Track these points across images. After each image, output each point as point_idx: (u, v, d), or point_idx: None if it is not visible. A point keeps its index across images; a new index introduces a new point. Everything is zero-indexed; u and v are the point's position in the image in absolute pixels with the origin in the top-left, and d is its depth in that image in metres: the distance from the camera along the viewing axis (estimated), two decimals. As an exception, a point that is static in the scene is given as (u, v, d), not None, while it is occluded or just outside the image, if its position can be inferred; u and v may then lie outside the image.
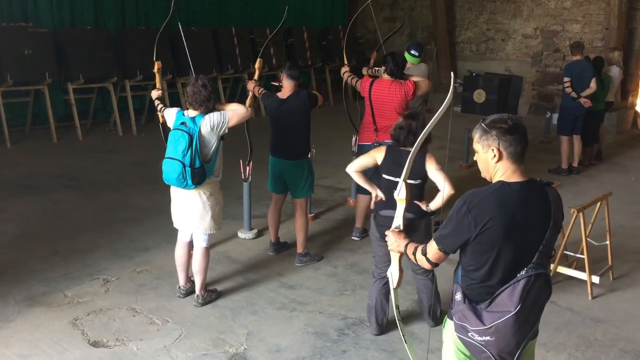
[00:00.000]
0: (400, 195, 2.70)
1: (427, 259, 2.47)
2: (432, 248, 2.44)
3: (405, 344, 2.79)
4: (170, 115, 4.29)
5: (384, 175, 3.97)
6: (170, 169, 4.08)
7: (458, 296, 2.42)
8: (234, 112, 4.23)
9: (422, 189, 3.96)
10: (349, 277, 4.99)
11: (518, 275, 2.29)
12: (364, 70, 6.14)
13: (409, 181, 3.70)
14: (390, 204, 3.70)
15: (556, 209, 2.36)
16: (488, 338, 2.31)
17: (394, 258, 2.70)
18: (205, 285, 4.45)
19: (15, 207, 6.26)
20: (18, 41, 8.44)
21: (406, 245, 2.60)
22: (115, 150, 8.78)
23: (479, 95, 12.18)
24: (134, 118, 9.76)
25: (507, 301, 2.27)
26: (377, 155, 4.01)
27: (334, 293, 4.70)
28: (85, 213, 6.19)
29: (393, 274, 2.73)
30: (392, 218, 2.77)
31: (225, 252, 5.36)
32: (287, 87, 5.00)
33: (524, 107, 12.39)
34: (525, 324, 2.30)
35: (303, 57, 12.21)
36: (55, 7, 9.39)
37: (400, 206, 2.72)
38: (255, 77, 5.53)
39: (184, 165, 4.02)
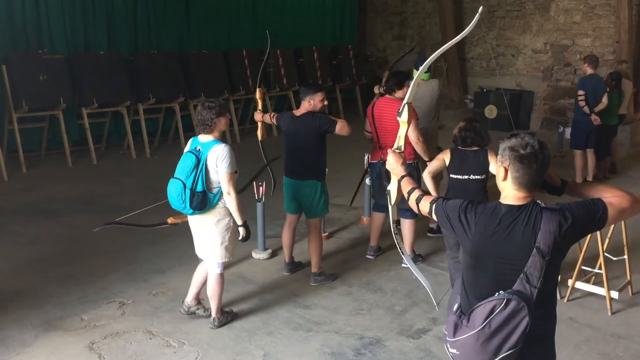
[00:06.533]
0: (403, 117, 2.85)
1: (417, 205, 2.62)
2: (426, 206, 2.57)
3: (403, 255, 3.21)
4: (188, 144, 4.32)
5: (451, 175, 4.51)
6: (172, 188, 4.08)
7: (455, 306, 2.47)
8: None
9: (485, 184, 4.45)
10: (364, 296, 4.97)
11: (494, 295, 2.27)
12: (376, 89, 6.15)
13: (475, 177, 4.40)
14: (458, 196, 4.13)
15: (546, 236, 2.25)
16: (455, 351, 2.34)
17: (394, 177, 2.86)
18: (221, 308, 4.44)
19: (31, 231, 6.32)
20: (33, 68, 8.58)
21: (403, 177, 2.76)
22: (129, 173, 8.84)
23: (491, 111, 12.15)
24: (147, 141, 9.85)
25: (477, 319, 2.28)
26: (444, 157, 4.53)
27: (349, 312, 4.67)
28: (100, 236, 6.18)
29: (391, 191, 2.88)
30: None
31: (239, 273, 5.36)
32: (301, 107, 5.04)
33: (536, 122, 12.36)
34: (488, 347, 2.25)
35: (313, 76, 12.30)
36: (69, 33, 9.53)
37: (403, 128, 2.87)
38: (259, 107, 5.55)
39: (184, 187, 4.00)
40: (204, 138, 4.15)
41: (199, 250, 4.38)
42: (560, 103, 12.09)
